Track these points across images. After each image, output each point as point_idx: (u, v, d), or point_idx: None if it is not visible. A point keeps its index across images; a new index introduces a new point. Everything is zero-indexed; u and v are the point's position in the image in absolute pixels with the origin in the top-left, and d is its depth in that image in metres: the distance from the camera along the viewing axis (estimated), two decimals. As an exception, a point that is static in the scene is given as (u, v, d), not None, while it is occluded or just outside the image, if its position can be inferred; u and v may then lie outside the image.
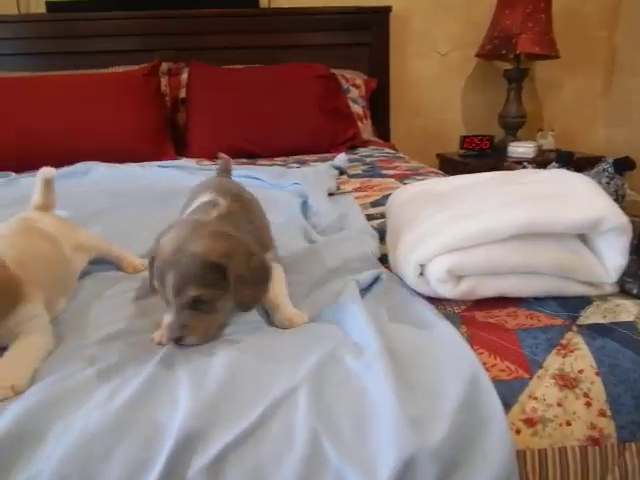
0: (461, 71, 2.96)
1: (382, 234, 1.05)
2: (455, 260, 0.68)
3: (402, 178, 1.69)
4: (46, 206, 0.97)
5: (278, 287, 0.79)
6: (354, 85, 2.71)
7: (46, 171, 0.99)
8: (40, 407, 0.56)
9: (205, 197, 0.83)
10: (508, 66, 2.77)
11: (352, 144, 2.44)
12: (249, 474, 0.50)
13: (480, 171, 1.03)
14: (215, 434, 0.52)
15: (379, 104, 2.85)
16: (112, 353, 0.66)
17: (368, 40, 2.80)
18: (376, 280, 0.81)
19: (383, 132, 2.85)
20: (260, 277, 0.71)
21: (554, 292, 0.71)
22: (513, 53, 2.62)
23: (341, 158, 1.94)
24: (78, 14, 2.58)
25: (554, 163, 1.41)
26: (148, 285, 0.75)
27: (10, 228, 0.84)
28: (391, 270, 0.85)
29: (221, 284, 0.67)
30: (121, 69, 2.50)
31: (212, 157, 2.27)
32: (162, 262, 0.68)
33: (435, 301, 0.73)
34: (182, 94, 2.57)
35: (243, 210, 0.82)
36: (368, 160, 2.10)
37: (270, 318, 0.75)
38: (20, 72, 2.47)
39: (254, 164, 2.12)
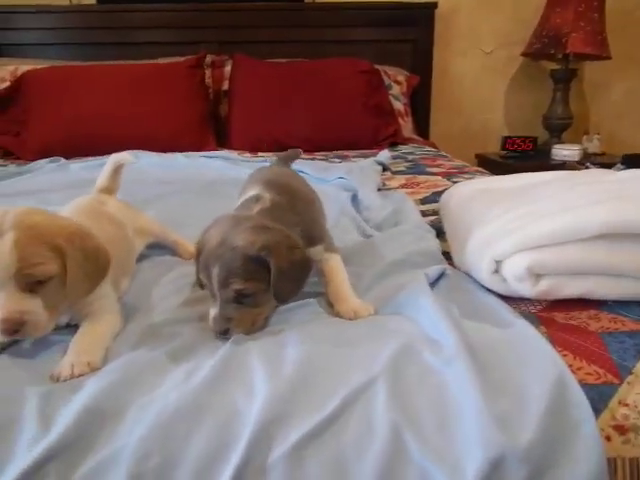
0: (505, 70, 2.90)
1: (438, 231, 1.03)
2: (535, 257, 0.66)
3: (448, 176, 1.66)
4: (111, 190, 0.99)
5: (338, 276, 0.78)
6: (396, 81, 2.68)
7: (121, 157, 1.00)
8: (118, 385, 0.56)
9: (251, 192, 0.83)
10: (555, 66, 2.70)
11: (393, 141, 2.42)
12: (330, 463, 0.49)
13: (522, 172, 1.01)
14: (294, 422, 0.51)
15: (420, 102, 2.81)
16: (182, 335, 0.66)
17: (412, 36, 2.76)
18: (441, 276, 0.79)
19: (422, 130, 2.82)
20: (300, 271, 0.71)
21: (639, 296, 0.68)
22: (562, 53, 2.55)
23: (384, 154, 1.92)
24: (127, 5, 2.62)
25: (619, 165, 1.36)
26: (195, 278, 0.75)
27: (77, 209, 0.85)
28: (455, 267, 0.84)
29: (263, 277, 0.68)
30: (167, 60, 2.52)
31: (253, 149, 2.29)
32: (206, 256, 0.69)
33: (508, 300, 0.71)
34: (225, 86, 2.59)
35: (289, 203, 0.80)
36: (410, 157, 2.08)
37: (334, 309, 0.74)
38: (70, 61, 2.52)
39: (295, 158, 2.12)
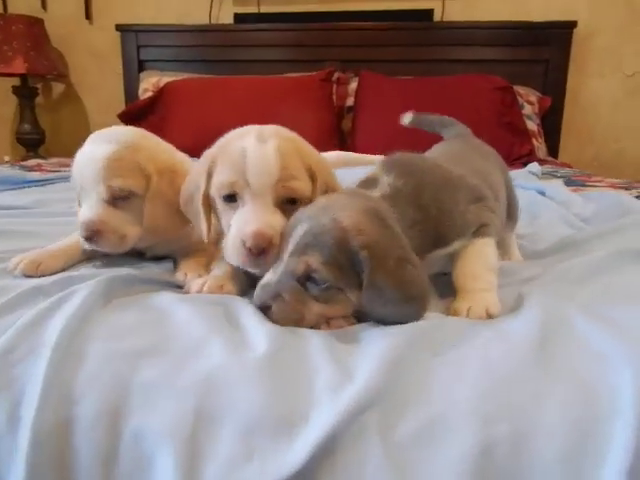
0: (650, 94, 2.66)
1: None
2: None
3: (617, 189, 1.49)
4: None
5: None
6: (528, 101, 2.55)
7: None
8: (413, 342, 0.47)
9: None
10: None
11: (527, 160, 2.26)
12: None
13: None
14: None
15: (549, 125, 2.64)
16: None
17: (545, 56, 2.63)
18: None
19: (551, 155, 2.64)
20: (406, 291, 0.53)
21: None
22: None
23: (535, 166, 1.79)
24: (260, 25, 2.73)
25: None
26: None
27: None
28: None
29: (349, 275, 0.53)
30: (296, 75, 2.57)
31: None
32: (301, 212, 0.58)
33: None
34: (348, 102, 2.59)
35: (414, 191, 0.62)
36: (559, 174, 1.92)
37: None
38: (207, 75, 2.64)
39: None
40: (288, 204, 0.61)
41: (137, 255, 0.77)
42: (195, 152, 2.33)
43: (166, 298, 0.56)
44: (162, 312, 0.53)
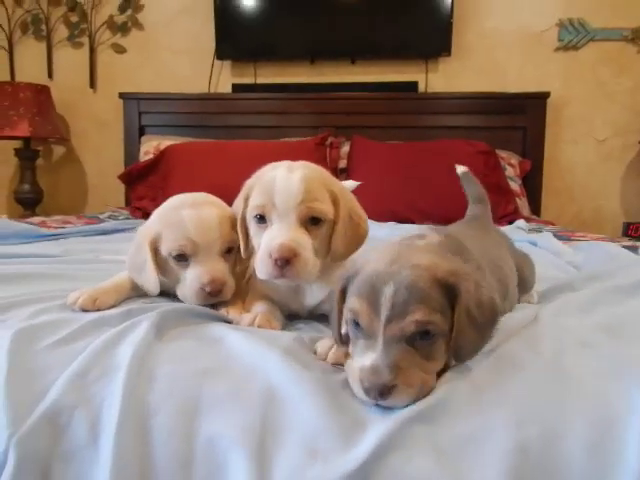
0: (622, 157, 2.87)
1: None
2: None
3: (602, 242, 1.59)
4: None
5: None
6: (510, 164, 2.72)
7: None
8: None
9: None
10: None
11: (512, 218, 2.38)
12: None
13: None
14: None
15: (531, 187, 2.80)
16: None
17: (523, 124, 2.83)
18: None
19: (534, 214, 2.78)
20: (488, 316, 0.54)
21: None
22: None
23: (522, 222, 1.89)
24: (258, 94, 2.91)
25: None
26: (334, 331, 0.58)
27: None
28: None
29: (447, 315, 0.52)
30: (291, 140, 2.72)
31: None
32: (373, 276, 0.52)
33: None
34: (341, 164, 2.73)
35: (458, 244, 0.65)
36: (542, 231, 2.03)
37: None
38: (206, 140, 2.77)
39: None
40: (312, 225, 0.68)
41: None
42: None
43: (219, 327, 0.61)
44: (219, 338, 0.57)
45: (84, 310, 0.70)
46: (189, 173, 2.49)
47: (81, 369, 0.50)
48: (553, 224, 2.45)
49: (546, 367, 0.50)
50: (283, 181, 0.69)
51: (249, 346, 0.55)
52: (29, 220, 2.10)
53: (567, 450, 0.42)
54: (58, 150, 3.18)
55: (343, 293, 0.56)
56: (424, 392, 0.50)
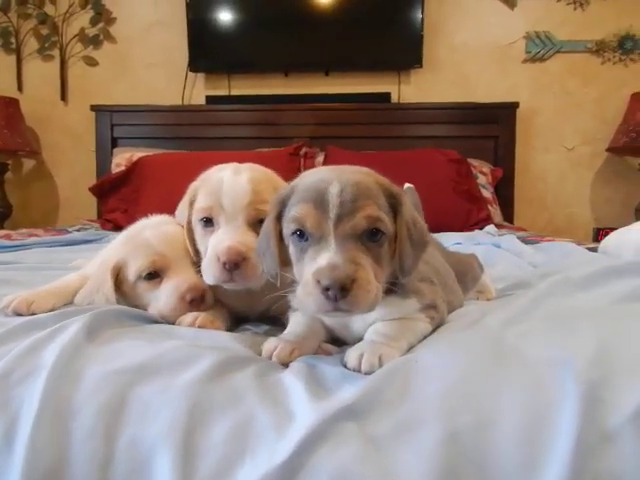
0: (591, 165, 2.92)
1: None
2: None
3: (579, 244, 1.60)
4: None
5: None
6: (481, 172, 2.75)
7: None
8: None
9: None
10: (644, 160, 2.71)
11: (485, 225, 2.40)
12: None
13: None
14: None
15: (503, 195, 2.84)
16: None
17: (494, 133, 2.88)
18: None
19: (507, 221, 2.81)
20: (422, 239, 0.56)
21: None
22: (652, 146, 2.57)
23: (491, 228, 1.91)
24: (232, 106, 2.91)
25: None
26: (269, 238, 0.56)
27: None
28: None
29: (391, 220, 0.52)
30: (265, 150, 2.71)
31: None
32: (315, 181, 0.53)
33: None
34: (316, 175, 2.73)
35: None
36: (516, 235, 2.05)
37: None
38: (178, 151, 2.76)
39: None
40: (260, 225, 0.66)
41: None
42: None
43: (155, 328, 0.59)
44: (151, 338, 0.55)
45: (17, 314, 0.67)
46: (161, 184, 2.46)
47: (3, 371, 0.48)
48: (525, 230, 2.48)
49: (482, 355, 0.49)
50: (230, 183, 0.68)
51: (181, 345, 0.54)
52: (-6, 233, 2.05)
53: (499, 438, 0.41)
54: (28, 163, 3.12)
55: (278, 219, 0.55)
56: (376, 300, 0.49)
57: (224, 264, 0.63)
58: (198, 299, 0.69)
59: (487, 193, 2.67)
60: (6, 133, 2.74)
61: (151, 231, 0.75)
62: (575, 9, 2.84)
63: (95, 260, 0.79)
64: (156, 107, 2.89)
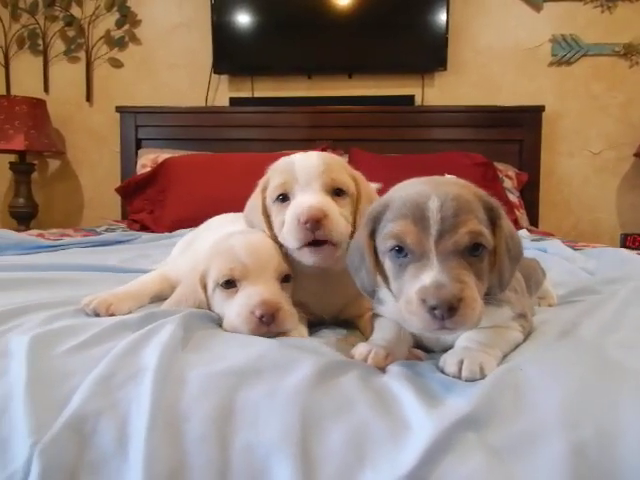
0: (616, 170, 2.89)
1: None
2: None
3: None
4: None
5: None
6: (507, 176, 2.73)
7: None
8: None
9: None
10: (670, 165, 2.68)
11: (513, 230, 2.39)
12: None
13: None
14: None
15: (528, 199, 2.82)
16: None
17: (519, 137, 2.86)
18: None
19: (533, 225, 2.79)
20: (518, 253, 0.56)
21: None
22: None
23: (524, 232, 1.90)
24: (256, 108, 2.91)
25: None
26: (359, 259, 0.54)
27: None
28: None
29: (491, 233, 0.52)
30: (290, 152, 2.71)
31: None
32: (412, 195, 0.51)
33: None
34: (339, 177, 2.72)
35: None
36: (546, 239, 2.03)
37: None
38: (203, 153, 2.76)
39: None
40: (336, 196, 0.66)
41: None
42: (194, 223, 2.40)
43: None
44: (247, 341, 0.55)
45: (96, 314, 0.67)
46: (187, 185, 2.47)
47: (105, 373, 0.48)
48: (553, 235, 2.46)
49: (589, 367, 0.49)
50: (302, 160, 0.70)
51: (274, 347, 0.53)
52: (30, 232, 2.07)
53: (624, 452, 0.40)
54: (53, 164, 3.15)
55: (372, 236, 0.54)
56: (481, 316, 0.48)
57: (305, 223, 0.62)
58: (269, 317, 0.63)
59: (513, 197, 2.65)
60: (33, 134, 2.76)
61: (237, 238, 0.72)
62: (602, 12, 2.82)
63: (178, 262, 0.79)
64: (180, 109, 2.91)
